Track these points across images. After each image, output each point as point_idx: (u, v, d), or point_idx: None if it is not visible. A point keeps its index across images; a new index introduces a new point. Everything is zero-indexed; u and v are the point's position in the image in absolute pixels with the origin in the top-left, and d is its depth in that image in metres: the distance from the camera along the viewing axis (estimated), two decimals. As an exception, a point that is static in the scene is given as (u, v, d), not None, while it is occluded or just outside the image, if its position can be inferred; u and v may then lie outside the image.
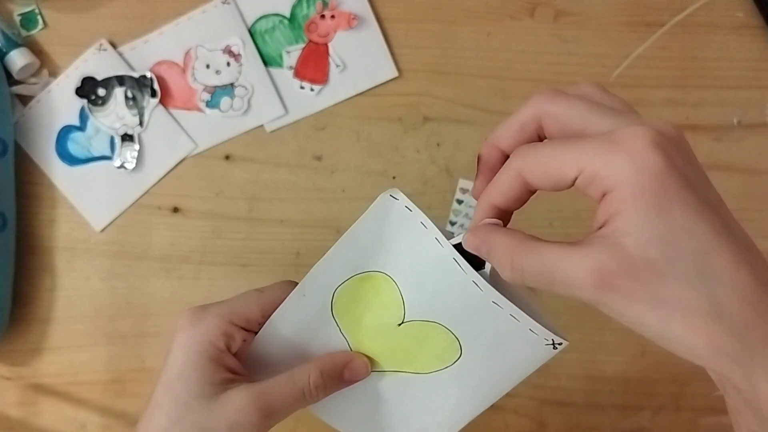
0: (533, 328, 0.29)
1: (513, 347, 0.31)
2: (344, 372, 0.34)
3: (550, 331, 0.29)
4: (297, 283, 0.34)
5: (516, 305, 0.29)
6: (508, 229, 0.27)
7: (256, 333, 0.34)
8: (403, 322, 0.33)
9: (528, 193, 0.27)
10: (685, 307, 0.22)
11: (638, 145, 0.23)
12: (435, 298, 0.31)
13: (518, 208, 0.28)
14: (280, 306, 0.34)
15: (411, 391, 0.35)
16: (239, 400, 0.31)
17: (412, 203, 0.30)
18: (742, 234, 0.23)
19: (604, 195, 0.23)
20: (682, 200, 0.22)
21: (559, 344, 0.30)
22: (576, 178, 0.24)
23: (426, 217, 0.30)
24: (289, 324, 0.34)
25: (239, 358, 0.34)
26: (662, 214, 0.22)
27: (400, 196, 0.30)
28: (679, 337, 0.22)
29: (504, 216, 0.28)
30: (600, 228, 0.23)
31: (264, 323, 0.34)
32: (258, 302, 0.34)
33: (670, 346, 0.23)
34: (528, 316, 0.29)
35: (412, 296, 0.32)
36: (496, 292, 0.29)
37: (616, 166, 0.23)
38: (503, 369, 0.32)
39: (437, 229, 0.30)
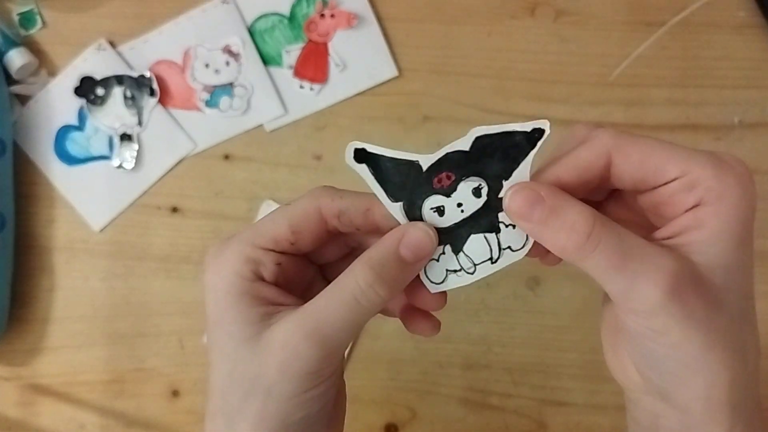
0: None
1: None
2: (401, 250, 0.26)
3: None
4: (330, 188, 0.28)
5: None
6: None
7: (292, 254, 0.29)
8: None
9: (600, 180, 0.25)
10: (727, 342, 0.22)
11: (744, 172, 0.23)
12: None
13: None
14: None
15: None
16: (283, 333, 0.25)
17: None
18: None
19: (695, 206, 0.23)
20: (751, 238, 0.23)
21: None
22: (673, 180, 0.23)
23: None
24: None
25: (281, 286, 0.28)
26: (741, 246, 0.22)
27: None
28: (709, 369, 0.22)
29: None
30: (670, 237, 0.23)
31: (294, 241, 0.28)
32: (285, 216, 0.27)
33: (685, 372, 0.23)
34: None
35: None
36: None
37: (727, 183, 0.22)
38: None
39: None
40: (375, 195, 0.27)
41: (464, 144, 0.26)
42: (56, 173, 0.55)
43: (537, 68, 0.55)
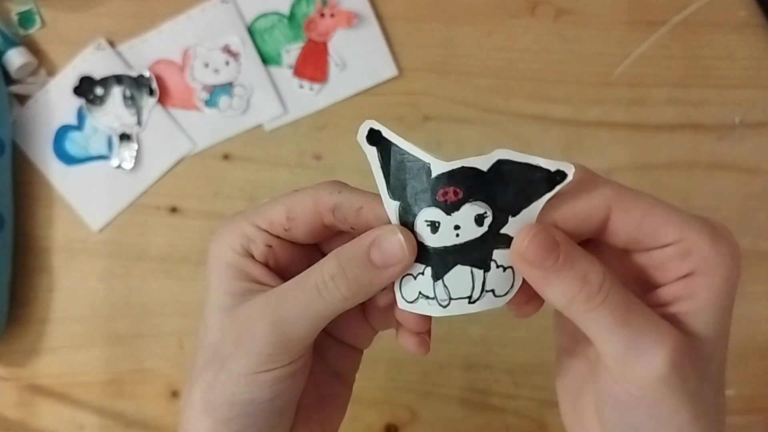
0: None
1: None
2: (371, 251, 0.24)
3: None
4: (336, 182, 0.28)
5: None
6: None
7: (282, 239, 0.27)
8: None
9: (594, 233, 0.24)
10: (710, 412, 0.23)
11: (734, 242, 0.23)
12: None
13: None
14: None
15: None
16: (248, 309, 0.25)
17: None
18: None
19: (687, 274, 0.23)
20: (732, 307, 0.23)
21: None
22: (669, 245, 0.23)
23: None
24: None
25: (273, 268, 0.27)
26: (727, 317, 0.23)
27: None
28: None
29: None
30: (662, 305, 0.23)
31: (288, 227, 0.27)
32: (284, 202, 0.27)
33: None
34: None
35: None
36: None
37: (721, 254, 0.22)
38: None
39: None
40: (372, 196, 0.26)
41: (484, 163, 0.24)
42: (55, 173, 0.55)
43: (537, 68, 0.55)
